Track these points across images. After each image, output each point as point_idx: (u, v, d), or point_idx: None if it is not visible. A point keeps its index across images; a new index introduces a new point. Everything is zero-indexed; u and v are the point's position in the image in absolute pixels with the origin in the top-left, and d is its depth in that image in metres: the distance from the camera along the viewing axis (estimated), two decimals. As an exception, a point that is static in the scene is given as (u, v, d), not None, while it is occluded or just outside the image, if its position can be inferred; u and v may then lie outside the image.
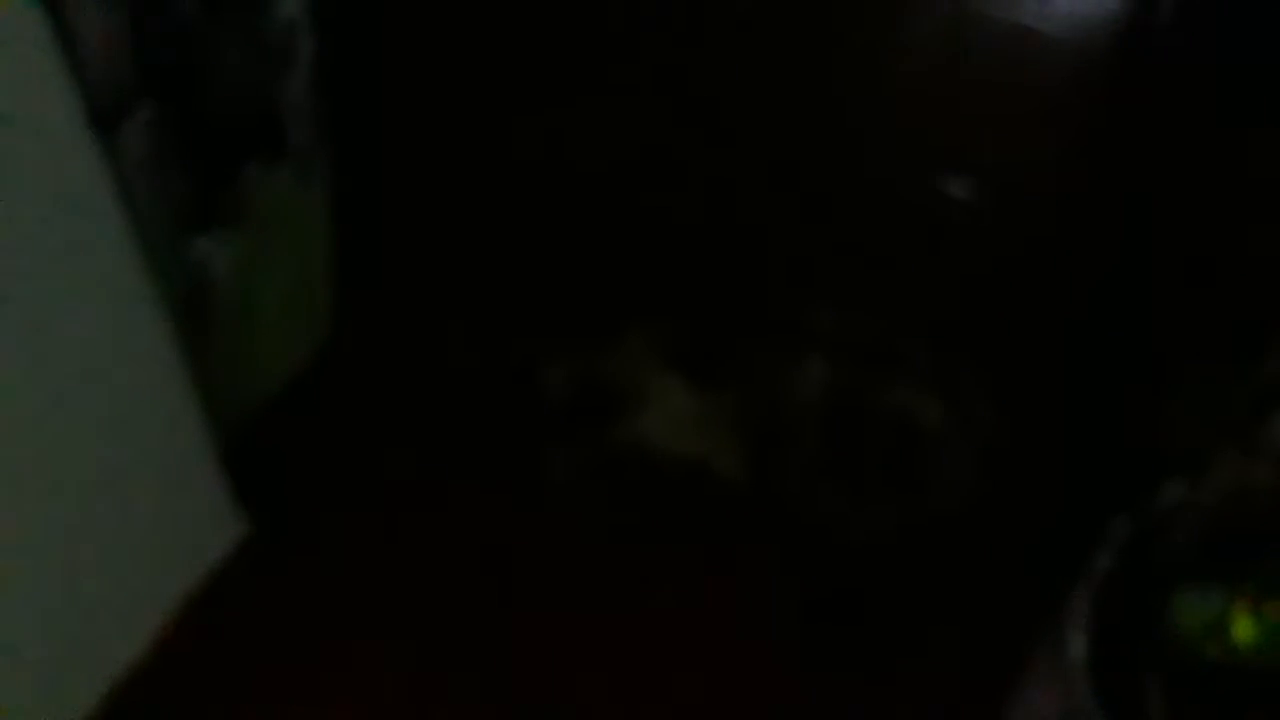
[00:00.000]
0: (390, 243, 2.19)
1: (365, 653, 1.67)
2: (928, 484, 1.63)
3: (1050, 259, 2.25)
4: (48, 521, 1.36)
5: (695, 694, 1.64)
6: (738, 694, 1.64)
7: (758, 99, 2.58)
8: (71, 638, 1.46)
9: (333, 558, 1.77)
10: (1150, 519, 1.40)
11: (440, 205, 2.33)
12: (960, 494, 1.62)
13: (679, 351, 1.70)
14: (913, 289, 2.11)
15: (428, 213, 2.31)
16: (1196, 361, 1.79)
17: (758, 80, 2.62)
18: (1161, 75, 2.59)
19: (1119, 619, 1.36)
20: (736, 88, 2.61)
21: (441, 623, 1.71)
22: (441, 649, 1.68)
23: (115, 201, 1.28)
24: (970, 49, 2.67)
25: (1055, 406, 1.92)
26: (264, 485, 1.74)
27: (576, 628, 1.70)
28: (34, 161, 1.16)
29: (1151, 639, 1.31)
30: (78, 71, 1.19)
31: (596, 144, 2.48)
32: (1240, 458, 1.41)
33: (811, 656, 1.67)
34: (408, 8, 2.56)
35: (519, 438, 1.82)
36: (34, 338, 1.24)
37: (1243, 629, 1.26)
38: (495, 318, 2.09)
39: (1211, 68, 2.57)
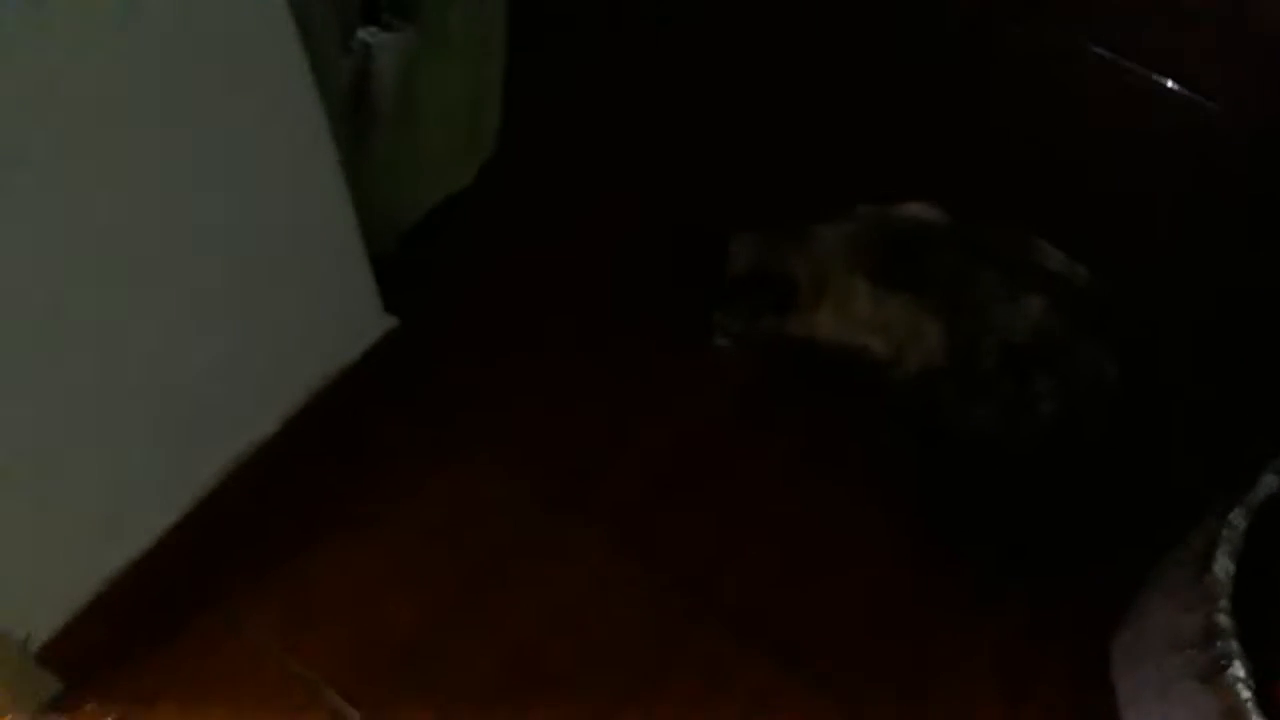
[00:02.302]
0: (568, 66, 2.07)
1: (493, 436, 1.71)
2: (1080, 428, 1.59)
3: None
4: (202, 302, 1.36)
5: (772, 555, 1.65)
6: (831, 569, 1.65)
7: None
8: (218, 409, 1.49)
9: (471, 363, 1.79)
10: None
11: (636, 36, 2.19)
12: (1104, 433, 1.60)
13: (875, 257, 1.62)
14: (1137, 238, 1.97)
15: (617, 43, 2.17)
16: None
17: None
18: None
19: (1271, 547, 1.33)
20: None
21: (557, 431, 1.74)
22: (554, 453, 1.71)
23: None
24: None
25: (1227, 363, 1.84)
26: (415, 287, 1.72)
27: (709, 466, 1.71)
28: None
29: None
30: None
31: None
32: None
33: (924, 569, 1.64)
34: None
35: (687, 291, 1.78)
36: (196, 132, 1.21)
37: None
38: (684, 172, 2.00)
39: None
